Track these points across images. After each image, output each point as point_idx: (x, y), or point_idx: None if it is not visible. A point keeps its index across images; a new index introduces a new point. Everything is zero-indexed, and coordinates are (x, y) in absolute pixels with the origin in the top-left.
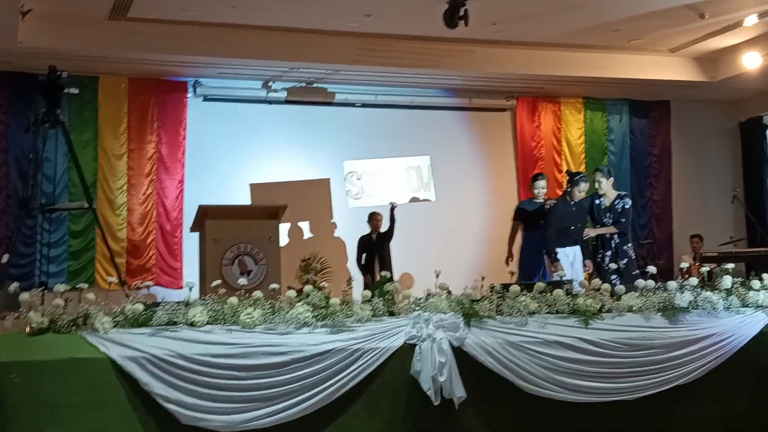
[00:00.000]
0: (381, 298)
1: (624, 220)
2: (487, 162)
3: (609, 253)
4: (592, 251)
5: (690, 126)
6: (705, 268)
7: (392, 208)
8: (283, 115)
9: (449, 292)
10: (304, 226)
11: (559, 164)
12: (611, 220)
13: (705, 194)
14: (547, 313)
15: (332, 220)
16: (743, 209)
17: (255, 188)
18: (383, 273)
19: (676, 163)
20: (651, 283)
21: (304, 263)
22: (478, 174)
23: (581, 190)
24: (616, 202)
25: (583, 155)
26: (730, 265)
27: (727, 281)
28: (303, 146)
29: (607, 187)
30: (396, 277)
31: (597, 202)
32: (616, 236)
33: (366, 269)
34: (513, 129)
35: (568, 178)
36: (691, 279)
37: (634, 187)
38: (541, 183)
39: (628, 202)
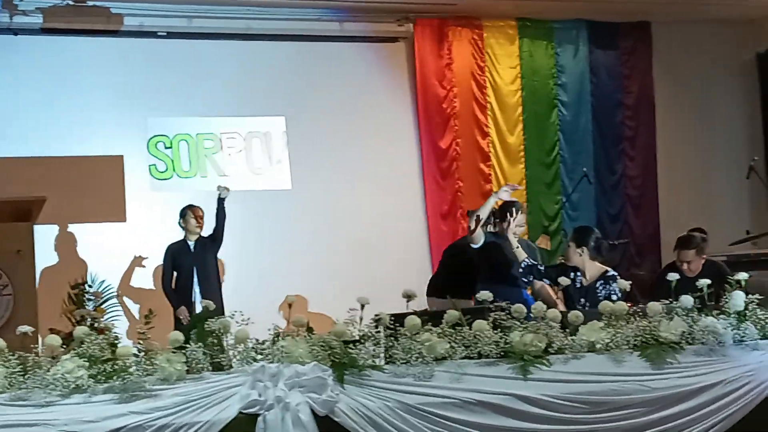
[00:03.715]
0: (200, 344)
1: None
2: (371, 123)
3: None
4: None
5: (683, 61)
6: (705, 281)
7: (220, 199)
8: (39, 51)
9: (310, 330)
10: (79, 230)
11: (483, 123)
12: (587, 306)
13: (707, 166)
14: (465, 357)
15: (126, 220)
16: (766, 187)
17: None
18: (205, 303)
19: (662, 119)
20: (622, 306)
21: (75, 290)
22: (359, 143)
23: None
24: (598, 286)
25: (519, 109)
26: (743, 275)
27: (738, 300)
28: (75, 101)
29: (585, 259)
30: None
31: (571, 276)
32: None
33: (180, 296)
34: (410, 69)
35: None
36: (683, 298)
37: (600, 158)
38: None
39: (617, 290)
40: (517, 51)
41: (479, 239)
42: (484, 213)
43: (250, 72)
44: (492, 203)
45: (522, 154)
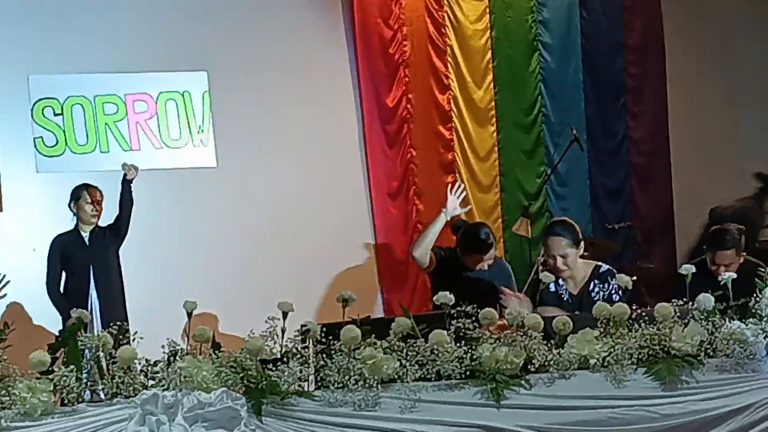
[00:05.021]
0: (73, 367)
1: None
2: (298, 75)
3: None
4: None
5: None
6: (730, 274)
7: (125, 179)
8: None
9: (216, 346)
10: None
11: (443, 72)
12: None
13: (734, 125)
14: (419, 379)
15: (2, 210)
16: None
17: None
18: (78, 312)
19: (675, 65)
20: (623, 308)
21: None
22: (284, 101)
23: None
24: (593, 288)
25: (489, 54)
26: None
27: None
28: None
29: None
30: None
31: (551, 287)
32: None
33: (72, 303)
34: (347, 8)
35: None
36: (701, 296)
37: (594, 117)
38: None
39: (616, 287)
40: None
41: (431, 264)
42: (429, 238)
43: (160, 12)
44: (441, 224)
45: (493, 113)
